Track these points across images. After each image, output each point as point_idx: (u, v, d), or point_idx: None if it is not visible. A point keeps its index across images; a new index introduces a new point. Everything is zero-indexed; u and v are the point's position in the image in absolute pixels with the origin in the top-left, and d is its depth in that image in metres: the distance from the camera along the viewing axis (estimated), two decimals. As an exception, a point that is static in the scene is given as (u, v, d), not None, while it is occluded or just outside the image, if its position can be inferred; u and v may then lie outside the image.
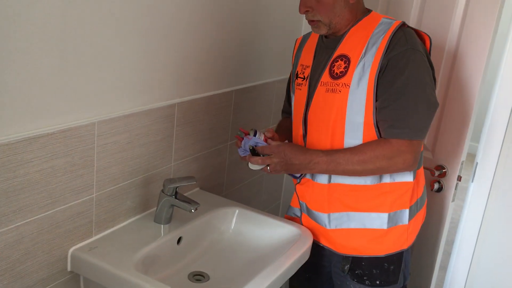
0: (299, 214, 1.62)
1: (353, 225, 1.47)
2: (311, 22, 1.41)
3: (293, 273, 1.44)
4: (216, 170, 1.83)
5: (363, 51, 1.36)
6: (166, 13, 1.42)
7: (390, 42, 1.34)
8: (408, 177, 1.45)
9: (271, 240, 1.56)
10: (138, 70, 1.38)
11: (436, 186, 1.90)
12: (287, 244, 1.49)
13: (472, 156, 2.01)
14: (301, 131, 1.51)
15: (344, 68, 1.38)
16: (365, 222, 1.46)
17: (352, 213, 1.47)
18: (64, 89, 1.19)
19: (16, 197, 1.13)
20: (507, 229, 1.94)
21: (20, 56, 1.07)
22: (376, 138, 1.39)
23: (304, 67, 1.52)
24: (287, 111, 1.70)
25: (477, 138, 1.96)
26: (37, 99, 1.14)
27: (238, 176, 1.98)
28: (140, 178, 1.48)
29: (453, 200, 1.91)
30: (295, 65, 1.59)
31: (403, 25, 1.39)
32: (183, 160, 1.64)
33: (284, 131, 1.63)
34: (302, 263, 1.48)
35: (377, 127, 1.38)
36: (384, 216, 1.45)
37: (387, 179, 1.44)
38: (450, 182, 1.89)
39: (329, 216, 1.50)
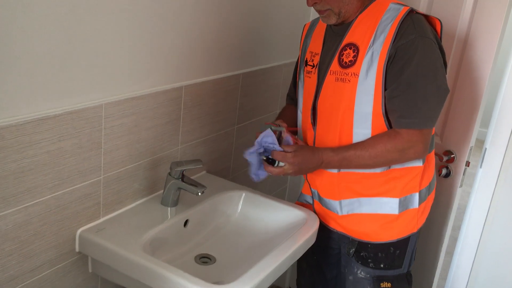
0: (311, 201, 1.62)
1: (365, 209, 1.48)
2: (320, 12, 1.39)
3: (299, 256, 1.44)
4: (223, 154, 1.83)
5: (372, 39, 1.35)
6: (173, -5, 1.41)
7: (398, 30, 1.32)
8: (417, 162, 1.45)
9: (277, 223, 1.57)
10: (145, 53, 1.38)
11: (444, 171, 1.90)
12: (293, 228, 1.50)
13: (480, 142, 1.99)
14: (310, 120, 1.50)
15: (353, 57, 1.37)
16: (376, 208, 1.46)
17: (363, 199, 1.47)
18: (71, 71, 1.19)
19: (24, 178, 1.14)
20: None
21: (28, 39, 1.07)
22: (385, 127, 1.38)
23: (313, 54, 1.50)
24: (292, 96, 1.69)
25: (486, 124, 1.94)
26: (45, 81, 1.13)
27: (245, 160, 1.97)
28: (147, 160, 1.48)
29: (461, 186, 1.90)
30: (303, 52, 1.57)
31: (412, 11, 1.36)
32: (190, 143, 1.64)
33: (286, 118, 1.61)
34: (308, 247, 1.48)
35: (386, 116, 1.37)
36: (395, 201, 1.45)
37: (396, 165, 1.44)
38: (458, 168, 1.88)
39: (340, 203, 1.50)
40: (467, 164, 1.87)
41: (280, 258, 1.31)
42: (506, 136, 1.89)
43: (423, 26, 1.34)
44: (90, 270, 1.38)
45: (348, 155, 1.37)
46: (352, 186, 1.47)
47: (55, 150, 1.19)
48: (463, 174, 1.88)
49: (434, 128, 1.51)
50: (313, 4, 1.37)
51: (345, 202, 1.49)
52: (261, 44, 1.88)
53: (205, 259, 1.44)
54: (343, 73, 1.39)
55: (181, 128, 1.58)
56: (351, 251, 1.53)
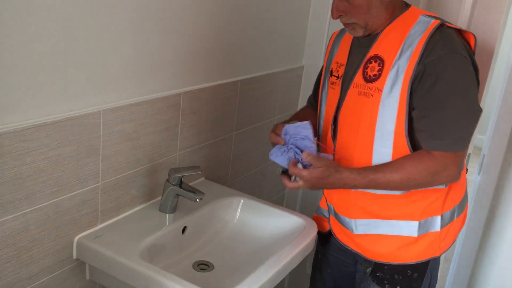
0: (327, 216, 1.57)
1: (381, 231, 1.41)
2: (346, 25, 1.34)
3: (297, 263, 1.44)
4: (221, 160, 1.83)
5: (398, 53, 1.27)
6: (172, 3, 1.41)
7: (426, 46, 1.24)
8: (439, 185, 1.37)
9: (276, 230, 1.56)
10: (144, 59, 1.38)
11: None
12: (291, 235, 1.49)
13: (478, 149, 2.00)
14: (330, 133, 1.43)
15: (378, 71, 1.30)
16: (394, 229, 1.39)
17: (380, 221, 1.40)
18: (70, 78, 1.19)
19: (23, 184, 1.14)
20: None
21: (25, 45, 1.07)
22: (407, 148, 1.30)
23: (339, 65, 1.44)
24: (311, 101, 1.65)
25: (484, 130, 1.95)
26: (44, 87, 1.14)
27: (243, 167, 1.98)
28: (145, 167, 1.48)
29: (458, 193, 1.90)
30: (329, 61, 1.51)
31: (442, 25, 1.28)
32: (189, 150, 1.64)
33: (302, 118, 1.54)
34: (306, 254, 1.48)
35: (409, 136, 1.30)
36: (414, 224, 1.38)
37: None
38: (456, 175, 1.88)
39: (355, 222, 1.44)
40: (465, 171, 1.87)
41: (278, 265, 1.31)
42: (504, 142, 1.89)
43: (453, 41, 1.26)
44: (87, 277, 1.37)
45: (376, 177, 1.28)
46: (369, 207, 1.40)
47: (54, 157, 1.19)
48: (461, 181, 1.88)
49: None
50: (338, 17, 1.31)
51: (360, 221, 1.42)
52: (259, 51, 1.88)
53: (203, 266, 1.44)
54: (366, 87, 1.32)
55: (179, 135, 1.58)
56: (367, 270, 1.46)
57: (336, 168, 1.30)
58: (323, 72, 1.55)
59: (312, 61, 2.15)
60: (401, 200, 1.37)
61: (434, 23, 1.27)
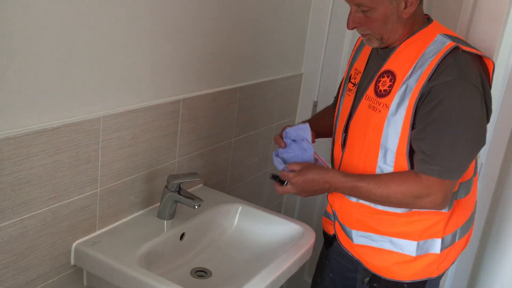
0: (333, 220, 1.55)
1: (379, 245, 1.39)
2: (362, 35, 1.33)
3: (295, 271, 1.44)
4: (219, 167, 1.84)
5: (409, 72, 1.24)
6: (171, 10, 1.42)
7: (436, 69, 1.20)
8: None
9: (274, 237, 1.56)
10: (143, 66, 1.39)
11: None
12: (289, 242, 1.49)
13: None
14: (340, 140, 1.42)
15: (388, 87, 1.27)
16: (390, 246, 1.37)
17: (377, 235, 1.38)
18: (69, 84, 1.19)
19: (21, 190, 1.14)
20: (511, 230, 1.94)
21: (25, 50, 1.07)
22: (407, 168, 1.28)
23: (357, 72, 1.42)
24: (334, 101, 1.63)
25: (482, 138, 1.95)
26: (43, 93, 1.14)
27: (241, 173, 1.98)
28: (144, 173, 1.48)
29: (456, 201, 1.90)
30: (350, 65, 1.48)
31: (457, 48, 1.22)
32: (187, 156, 1.65)
33: (320, 119, 1.59)
34: (304, 261, 1.48)
35: (410, 159, 1.27)
36: (413, 244, 1.35)
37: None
38: (454, 183, 1.87)
39: (354, 233, 1.43)
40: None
41: (276, 273, 1.31)
42: (502, 150, 1.89)
43: (466, 67, 1.21)
44: (85, 284, 1.37)
45: (359, 185, 1.28)
46: (368, 221, 1.38)
47: (52, 163, 1.19)
48: (459, 189, 1.88)
49: (477, 173, 1.38)
50: (354, 28, 1.29)
51: (358, 233, 1.41)
52: (258, 58, 1.89)
53: (201, 272, 1.44)
54: (376, 101, 1.29)
55: (178, 141, 1.58)
56: (365, 280, 1.45)
57: (321, 168, 1.33)
58: (345, 76, 1.53)
59: (311, 68, 2.16)
60: (401, 219, 1.34)
61: (449, 45, 1.22)
